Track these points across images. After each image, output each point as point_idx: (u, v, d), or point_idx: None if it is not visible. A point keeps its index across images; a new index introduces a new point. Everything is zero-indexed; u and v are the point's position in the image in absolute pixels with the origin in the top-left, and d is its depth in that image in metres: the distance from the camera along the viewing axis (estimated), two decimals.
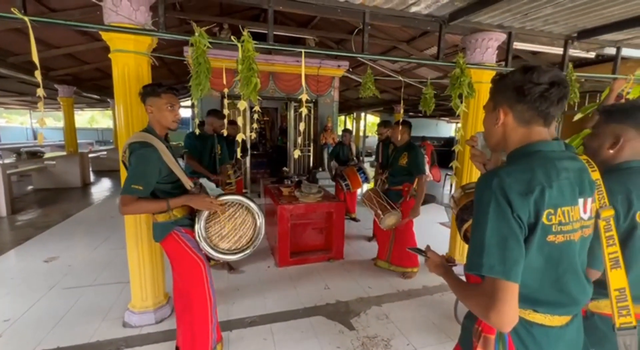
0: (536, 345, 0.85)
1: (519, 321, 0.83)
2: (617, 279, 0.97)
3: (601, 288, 1.08)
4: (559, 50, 3.02)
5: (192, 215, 1.79)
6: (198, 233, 1.71)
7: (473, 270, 0.80)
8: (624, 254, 1.05)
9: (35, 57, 1.58)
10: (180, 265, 1.77)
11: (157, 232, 1.75)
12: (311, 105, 6.28)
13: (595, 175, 0.95)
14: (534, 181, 0.78)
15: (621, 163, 1.11)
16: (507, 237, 0.76)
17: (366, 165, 5.04)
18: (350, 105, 12.57)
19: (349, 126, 15.03)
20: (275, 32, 2.14)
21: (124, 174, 1.93)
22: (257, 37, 2.06)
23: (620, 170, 1.10)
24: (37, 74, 1.61)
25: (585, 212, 0.86)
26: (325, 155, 6.28)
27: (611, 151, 1.12)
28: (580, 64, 4.90)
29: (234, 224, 1.79)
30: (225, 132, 1.96)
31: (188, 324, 1.83)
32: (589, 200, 0.87)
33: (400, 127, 3.15)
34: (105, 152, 10.89)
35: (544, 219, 0.78)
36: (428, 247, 1.10)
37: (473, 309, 0.84)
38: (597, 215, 0.95)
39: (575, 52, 3.32)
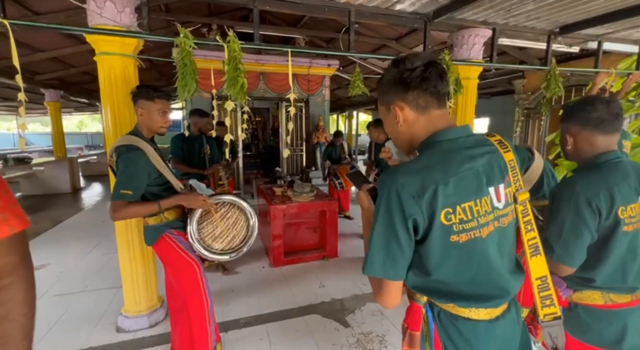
0: (464, 341, 0.81)
1: (445, 315, 0.82)
2: (538, 266, 0.87)
3: (584, 280, 1.11)
4: (544, 45, 3.07)
5: (183, 217, 1.78)
6: (191, 234, 1.70)
7: (363, 270, 0.80)
8: (605, 250, 1.07)
9: (15, 61, 1.55)
10: (174, 268, 1.75)
11: (149, 235, 1.73)
12: (302, 104, 6.29)
13: (508, 155, 0.85)
14: (427, 180, 0.74)
15: (597, 157, 1.11)
16: (390, 241, 0.76)
17: (359, 164, 5.06)
18: (342, 104, 12.60)
19: (341, 124, 15.07)
20: (264, 32, 2.15)
21: (113, 178, 1.90)
22: (246, 37, 2.06)
23: (598, 165, 1.11)
24: (18, 78, 1.58)
25: (499, 200, 0.81)
26: (318, 155, 6.29)
27: (569, 147, 1.18)
28: (565, 58, 4.99)
29: (226, 223, 1.78)
30: (213, 133, 1.95)
31: (186, 327, 1.81)
32: (501, 186, 0.81)
33: (377, 127, 3.28)
34: (95, 157, 10.73)
35: (442, 220, 0.74)
36: (370, 185, 0.99)
37: (370, 282, 0.86)
38: (515, 200, 0.85)
39: (559, 47, 3.38)
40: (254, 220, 1.82)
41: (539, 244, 0.88)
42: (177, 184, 1.73)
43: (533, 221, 0.87)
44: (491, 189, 0.80)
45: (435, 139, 0.81)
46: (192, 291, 1.76)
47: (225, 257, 1.78)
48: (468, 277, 0.79)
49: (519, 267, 0.89)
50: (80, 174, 8.41)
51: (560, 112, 1.26)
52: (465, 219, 0.76)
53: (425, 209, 0.74)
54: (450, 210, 0.75)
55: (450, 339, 0.82)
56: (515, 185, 0.85)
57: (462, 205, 0.75)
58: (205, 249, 1.72)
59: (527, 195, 0.87)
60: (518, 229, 0.88)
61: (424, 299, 0.85)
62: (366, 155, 5.34)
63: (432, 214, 0.74)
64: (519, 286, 0.86)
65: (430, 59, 0.81)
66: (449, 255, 0.77)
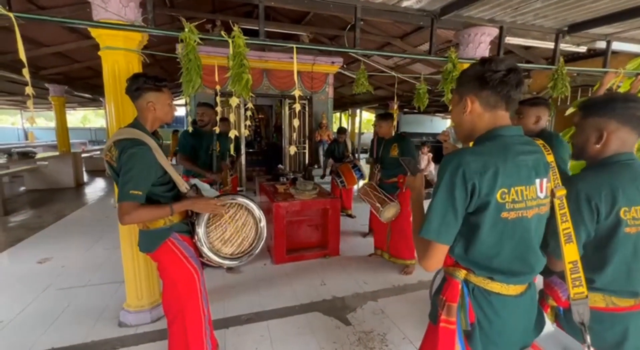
0: (493, 311, 0.96)
1: (479, 291, 0.97)
2: (571, 252, 1.02)
3: (586, 281, 1.09)
4: (551, 45, 3.04)
5: (188, 219, 1.65)
6: (201, 238, 1.58)
7: (419, 231, 0.95)
8: (605, 250, 1.06)
9: (22, 55, 1.55)
10: (174, 276, 1.61)
11: (149, 241, 1.56)
12: (306, 102, 6.26)
13: (550, 158, 1.02)
14: (489, 162, 0.88)
15: (609, 157, 1.09)
16: (447, 210, 0.91)
17: (362, 162, 5.04)
18: (345, 102, 12.56)
19: (344, 122, 15.03)
20: (268, 29, 2.13)
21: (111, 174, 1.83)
22: (250, 33, 2.04)
23: (608, 164, 1.09)
24: (25, 72, 1.58)
25: (541, 191, 0.96)
26: (321, 152, 6.28)
27: (597, 146, 1.11)
28: (572, 58, 4.94)
29: (235, 226, 1.68)
30: (217, 129, 1.94)
31: (181, 339, 1.68)
32: (544, 180, 0.97)
33: (383, 121, 3.23)
34: (98, 152, 10.78)
35: (497, 198, 0.88)
36: (422, 169, 1.17)
37: (415, 248, 1.02)
38: (553, 194, 1.02)
39: (567, 46, 3.34)
40: (263, 223, 1.73)
41: (572, 233, 1.02)
42: (182, 184, 1.59)
43: (568, 213, 1.03)
44: (537, 181, 0.95)
45: (496, 133, 0.95)
46: (189, 302, 1.64)
47: (235, 262, 1.68)
48: (507, 250, 0.93)
49: (543, 254, 1.02)
50: (84, 168, 8.45)
51: (571, 109, 1.23)
52: (516, 199, 0.90)
53: (484, 185, 0.87)
54: (506, 190, 0.89)
55: (482, 310, 0.96)
56: (554, 183, 1.02)
57: (516, 188, 0.90)
58: (215, 254, 1.61)
59: (564, 192, 1.03)
60: (553, 219, 1.03)
61: (462, 275, 0.99)
62: (368, 153, 5.32)
63: (489, 191, 0.88)
64: (542, 266, 1.00)
65: (513, 67, 0.92)
66: (495, 229, 0.91)
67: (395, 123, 3.24)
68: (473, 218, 0.92)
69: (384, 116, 3.28)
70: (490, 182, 0.87)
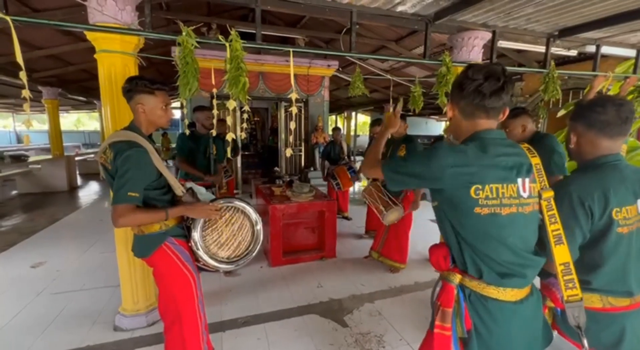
0: (491, 318, 0.94)
1: (475, 296, 0.97)
2: (561, 254, 1.01)
3: (579, 282, 1.11)
4: (542, 48, 3.09)
5: (183, 223, 1.64)
6: (197, 242, 1.57)
7: (382, 167, 1.06)
8: (599, 251, 1.07)
9: (19, 58, 1.55)
10: (170, 281, 1.59)
11: (144, 246, 1.55)
12: (302, 104, 6.29)
13: (535, 160, 1.03)
14: (465, 159, 0.92)
15: (597, 158, 1.12)
16: (411, 175, 1.00)
17: (358, 165, 5.06)
18: (341, 104, 12.62)
19: (339, 125, 15.07)
20: (264, 32, 2.15)
21: (105, 177, 1.81)
22: (246, 36, 2.05)
23: (596, 166, 1.11)
24: (22, 75, 1.57)
25: (524, 191, 0.96)
26: (317, 155, 6.29)
27: (571, 146, 1.18)
28: (563, 61, 5.04)
29: (231, 229, 1.67)
30: (214, 132, 1.94)
31: (178, 344, 1.67)
32: (527, 180, 0.97)
33: (402, 121, 3.23)
34: (92, 155, 10.68)
35: (471, 193, 0.91)
36: (397, 110, 1.31)
37: (364, 165, 1.18)
38: (539, 196, 1.02)
39: (558, 50, 3.41)
40: (259, 226, 1.72)
41: (562, 234, 1.01)
42: (178, 187, 1.58)
43: (557, 215, 1.02)
44: (519, 180, 0.95)
45: (478, 136, 0.99)
46: (186, 307, 1.63)
47: (232, 266, 1.67)
48: (486, 245, 0.94)
49: (537, 253, 1.00)
50: (77, 172, 8.36)
51: (562, 111, 1.29)
52: (490, 196, 0.92)
53: (458, 177, 0.91)
54: (480, 187, 0.91)
55: (479, 316, 0.94)
56: (540, 184, 1.02)
57: (490, 185, 0.92)
58: (211, 257, 1.60)
59: (551, 193, 1.03)
60: (543, 221, 1.03)
61: (457, 280, 0.98)
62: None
63: (463, 184, 0.91)
64: (534, 267, 0.98)
65: (491, 74, 0.92)
66: (470, 222, 0.94)
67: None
68: (450, 213, 0.96)
69: (402, 117, 3.30)
70: (465, 176, 0.91)
